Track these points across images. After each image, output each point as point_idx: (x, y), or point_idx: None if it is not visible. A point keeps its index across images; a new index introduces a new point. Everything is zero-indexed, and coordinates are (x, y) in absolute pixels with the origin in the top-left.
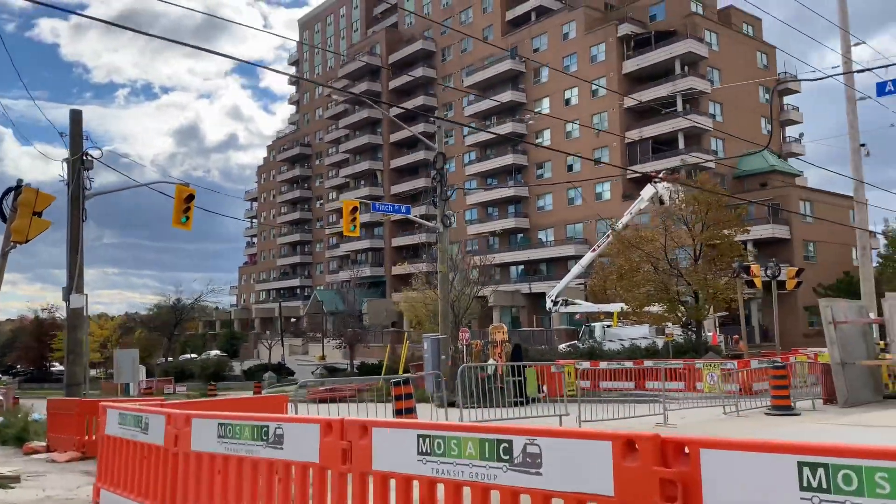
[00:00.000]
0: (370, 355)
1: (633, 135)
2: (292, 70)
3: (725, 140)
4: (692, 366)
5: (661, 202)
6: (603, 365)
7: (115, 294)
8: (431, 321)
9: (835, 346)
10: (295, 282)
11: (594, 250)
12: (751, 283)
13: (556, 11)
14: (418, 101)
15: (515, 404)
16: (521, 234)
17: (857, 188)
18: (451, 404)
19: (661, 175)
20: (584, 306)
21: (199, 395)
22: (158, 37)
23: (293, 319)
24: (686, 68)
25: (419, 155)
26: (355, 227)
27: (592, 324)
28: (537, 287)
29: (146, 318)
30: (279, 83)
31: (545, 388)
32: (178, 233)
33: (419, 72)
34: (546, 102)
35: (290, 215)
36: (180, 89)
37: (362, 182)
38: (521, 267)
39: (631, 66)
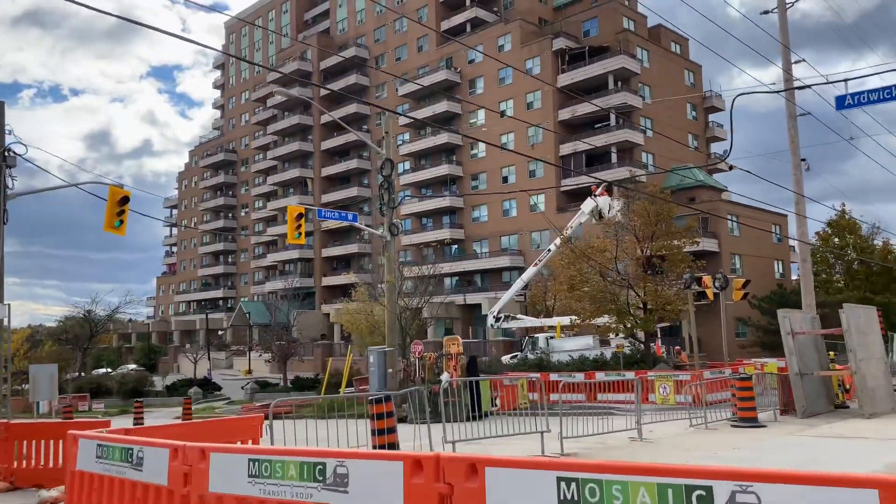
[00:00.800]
0: (302, 369)
1: (568, 148)
2: (216, 75)
3: (655, 155)
4: (645, 377)
5: (601, 216)
6: (553, 377)
7: (18, 305)
8: (372, 334)
9: (793, 356)
10: (217, 293)
11: (536, 265)
12: (702, 295)
13: (490, 24)
14: (351, 108)
15: (472, 418)
16: (457, 246)
17: (797, 201)
18: (402, 419)
19: (600, 189)
20: (527, 321)
21: (119, 412)
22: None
23: (220, 332)
24: (619, 83)
25: (352, 163)
26: (300, 234)
27: (535, 335)
28: (472, 298)
29: (54, 330)
30: (198, 88)
31: (497, 401)
32: (86, 241)
33: (352, 79)
34: (482, 114)
35: (213, 223)
36: (91, 92)
37: (291, 190)
38: (456, 279)
39: (566, 79)
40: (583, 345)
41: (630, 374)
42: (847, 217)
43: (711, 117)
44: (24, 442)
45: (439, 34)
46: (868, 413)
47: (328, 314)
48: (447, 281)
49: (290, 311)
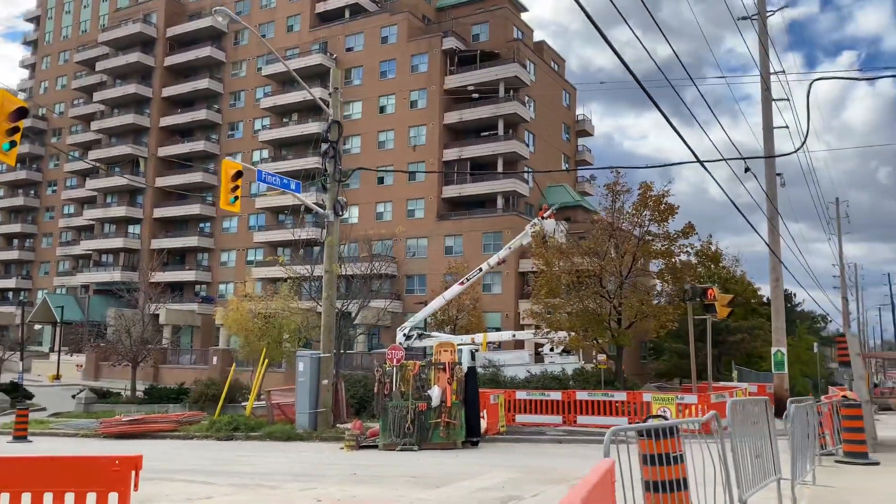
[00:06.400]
0: (120, 376)
1: (452, 154)
2: (29, 28)
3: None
4: (639, 398)
5: (544, 240)
6: (521, 395)
7: None
8: (259, 338)
9: (862, 381)
10: (9, 282)
11: (462, 283)
12: (709, 308)
13: (371, 13)
14: (202, 83)
15: (470, 444)
16: (318, 247)
17: (771, 215)
18: (371, 446)
19: (549, 212)
20: (441, 338)
21: None
22: None
23: (8, 328)
24: (511, 92)
25: (198, 145)
26: (236, 198)
27: (460, 348)
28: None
29: None
30: None
31: (484, 423)
32: None
33: (206, 51)
34: (358, 107)
35: (9, 200)
36: None
37: (118, 169)
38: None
39: (454, 81)
40: (517, 360)
41: (620, 395)
42: (712, 248)
43: (581, 140)
44: None
45: (313, 15)
46: None
47: (157, 315)
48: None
49: (97, 308)
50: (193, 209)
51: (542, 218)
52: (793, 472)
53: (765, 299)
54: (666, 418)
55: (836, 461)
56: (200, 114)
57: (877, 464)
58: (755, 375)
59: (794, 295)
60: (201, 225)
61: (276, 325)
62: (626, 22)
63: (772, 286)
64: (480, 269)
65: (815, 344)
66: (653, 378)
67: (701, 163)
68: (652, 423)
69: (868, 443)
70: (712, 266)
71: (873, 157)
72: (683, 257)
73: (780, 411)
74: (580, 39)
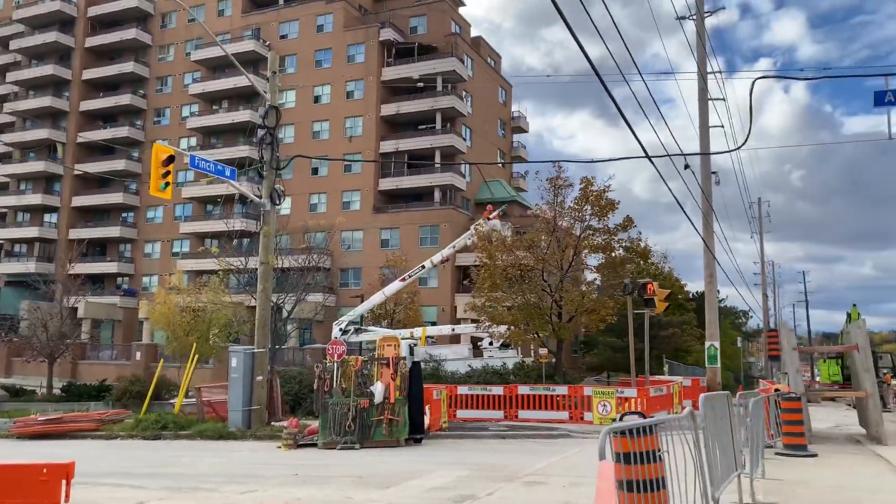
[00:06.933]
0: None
1: (389, 146)
2: None
3: (471, 166)
4: (580, 392)
5: (490, 240)
6: (464, 390)
7: None
8: (187, 333)
9: (799, 375)
10: None
11: (403, 280)
12: (650, 302)
13: (306, 0)
14: (127, 67)
15: (414, 441)
16: (248, 239)
17: (706, 211)
18: (310, 444)
19: (495, 213)
20: (379, 332)
21: None
22: None
23: None
24: (449, 86)
25: (121, 131)
26: (168, 185)
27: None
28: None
29: None
30: None
31: (427, 419)
32: None
33: (131, 34)
34: (291, 96)
35: None
36: None
37: (33, 154)
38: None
39: (392, 73)
40: (455, 354)
41: (562, 389)
42: (642, 245)
43: (516, 137)
44: None
45: (246, 0)
46: None
47: (76, 308)
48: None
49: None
50: (115, 198)
51: (489, 219)
52: (752, 466)
53: (691, 295)
54: (644, 416)
55: (777, 453)
56: (124, 98)
57: (815, 455)
58: (684, 369)
59: (718, 291)
60: (124, 214)
61: (204, 319)
62: (566, 23)
63: (706, 281)
64: (423, 267)
65: (739, 339)
66: (584, 372)
67: (649, 157)
68: (631, 420)
69: (805, 435)
70: (641, 262)
71: (787, 160)
72: (621, 251)
73: None
74: (511, 38)
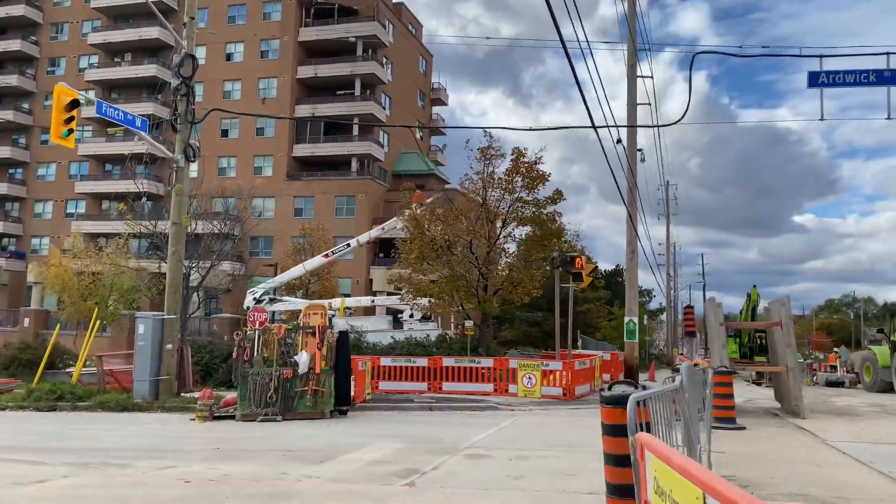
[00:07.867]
0: None
1: (305, 110)
2: None
3: (391, 135)
4: (506, 365)
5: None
6: (386, 361)
7: None
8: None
9: (725, 350)
10: None
11: (327, 256)
12: (577, 276)
13: None
14: (16, 9)
15: (339, 413)
16: (151, 202)
17: (631, 187)
18: (228, 416)
19: (429, 200)
20: (294, 303)
21: None
22: None
23: None
24: (371, 51)
25: (10, 79)
26: (71, 131)
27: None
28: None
29: None
30: None
31: (352, 390)
32: None
33: None
34: (202, 52)
35: None
36: None
37: None
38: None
39: (310, 34)
40: (376, 325)
41: (487, 361)
42: (557, 223)
43: (435, 109)
44: None
45: None
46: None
47: None
48: (136, 243)
49: None
50: (3, 152)
51: (422, 204)
52: (708, 439)
53: (601, 273)
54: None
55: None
56: (14, 44)
57: (744, 428)
58: (594, 344)
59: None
60: (11, 171)
61: (104, 284)
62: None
63: (627, 258)
64: (348, 245)
65: (645, 316)
66: (500, 346)
67: (595, 128)
68: (621, 389)
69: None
70: (555, 240)
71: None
72: (559, 222)
73: (631, 377)
74: (427, 10)
